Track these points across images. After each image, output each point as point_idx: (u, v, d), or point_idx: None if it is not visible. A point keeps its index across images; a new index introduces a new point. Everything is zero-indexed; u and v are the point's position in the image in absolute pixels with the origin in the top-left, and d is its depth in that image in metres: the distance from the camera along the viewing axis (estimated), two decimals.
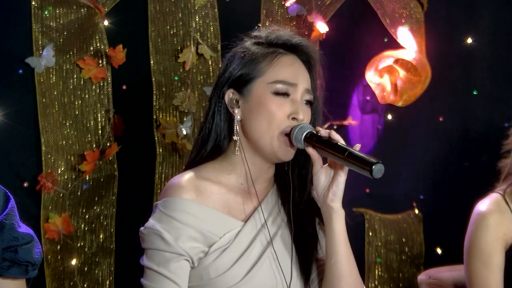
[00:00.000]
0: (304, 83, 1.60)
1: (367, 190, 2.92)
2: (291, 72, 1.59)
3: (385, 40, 2.92)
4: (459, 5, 3.01)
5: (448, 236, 2.85)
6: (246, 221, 1.58)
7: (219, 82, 1.63)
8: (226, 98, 1.60)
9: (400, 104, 2.95)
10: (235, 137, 1.58)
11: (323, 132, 1.53)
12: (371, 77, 2.91)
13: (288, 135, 1.55)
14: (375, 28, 2.91)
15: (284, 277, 1.57)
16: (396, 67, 2.92)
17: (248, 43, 1.65)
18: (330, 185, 1.53)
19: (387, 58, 2.91)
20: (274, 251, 1.57)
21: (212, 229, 1.53)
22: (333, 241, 1.54)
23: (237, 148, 1.58)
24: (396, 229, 2.96)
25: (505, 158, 2.08)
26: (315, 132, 1.54)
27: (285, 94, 1.57)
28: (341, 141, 1.51)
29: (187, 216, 1.51)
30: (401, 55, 2.91)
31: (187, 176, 1.57)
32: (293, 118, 1.56)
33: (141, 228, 1.55)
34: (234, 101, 1.60)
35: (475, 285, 1.95)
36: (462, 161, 3.03)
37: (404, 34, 2.88)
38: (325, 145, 1.51)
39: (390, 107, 2.96)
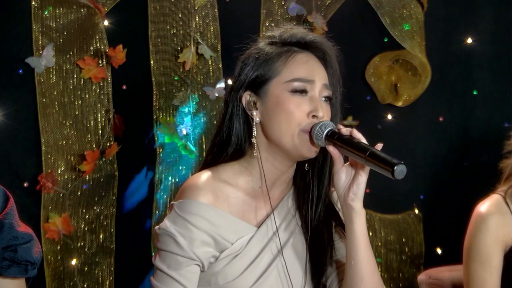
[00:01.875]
0: (321, 79, 1.58)
1: (367, 190, 2.90)
2: (306, 69, 1.57)
3: (385, 40, 2.93)
4: (459, 5, 3.01)
5: (448, 236, 2.85)
6: (259, 226, 1.56)
7: (235, 84, 1.60)
8: (244, 100, 1.58)
9: (400, 104, 2.95)
10: (253, 140, 1.55)
11: (344, 130, 1.50)
12: (371, 77, 2.91)
13: (309, 132, 1.52)
14: (375, 28, 2.91)
15: (292, 286, 1.56)
16: (396, 67, 2.93)
17: (262, 43, 1.62)
18: (351, 185, 1.51)
19: (387, 58, 2.91)
20: (284, 260, 1.56)
21: (225, 234, 1.52)
22: (353, 241, 1.51)
23: (255, 151, 1.56)
24: (396, 229, 2.96)
25: (506, 159, 2.07)
26: (336, 130, 1.51)
27: (303, 92, 1.54)
28: (362, 140, 1.48)
29: (202, 220, 1.49)
30: (401, 55, 2.91)
31: (205, 177, 1.55)
32: (313, 116, 1.53)
33: (156, 228, 1.54)
34: (252, 103, 1.57)
35: (472, 286, 1.95)
36: (462, 161, 3.03)
37: (404, 34, 2.89)
38: (346, 143, 1.47)
39: (390, 107, 2.96)
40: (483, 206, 2.00)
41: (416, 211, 3.00)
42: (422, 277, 2.40)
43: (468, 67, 3.04)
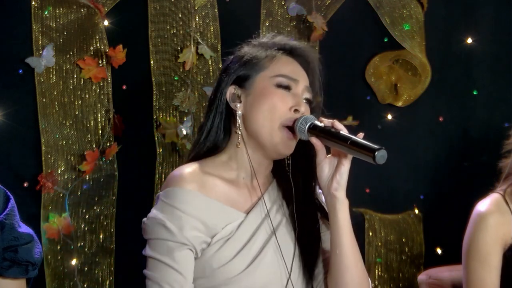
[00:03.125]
0: (304, 81, 1.64)
1: (367, 190, 2.92)
2: (291, 69, 1.63)
3: (385, 40, 2.93)
4: (459, 5, 3.01)
5: (448, 236, 2.85)
6: (248, 212, 1.59)
7: (219, 82, 1.66)
8: (228, 94, 1.63)
9: (400, 104, 2.95)
10: (238, 131, 1.59)
11: (326, 122, 1.55)
12: (371, 77, 2.91)
13: (289, 127, 1.57)
14: (375, 28, 2.91)
15: (287, 268, 1.58)
16: (396, 67, 2.92)
17: (246, 48, 1.68)
18: (334, 175, 1.54)
19: (387, 58, 2.91)
20: (277, 241, 1.58)
21: (214, 220, 1.54)
22: (337, 231, 1.54)
23: (238, 141, 1.59)
24: (396, 229, 2.96)
25: (506, 158, 2.08)
26: (318, 122, 1.55)
27: (287, 88, 1.60)
28: (344, 130, 1.53)
29: (189, 206, 1.51)
30: (401, 55, 2.91)
31: (189, 168, 1.59)
32: (295, 110, 1.58)
33: (144, 219, 1.56)
34: (236, 96, 1.62)
35: (472, 285, 1.95)
36: (462, 161, 3.03)
37: (404, 34, 2.89)
38: (328, 134, 1.53)
39: (390, 107, 2.96)
40: (483, 205, 2.00)
41: (416, 211, 3.00)
42: (422, 277, 2.41)
43: (468, 67, 3.04)
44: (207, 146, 1.63)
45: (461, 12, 3.02)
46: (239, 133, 1.60)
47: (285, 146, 1.58)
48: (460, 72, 3.04)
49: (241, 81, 1.62)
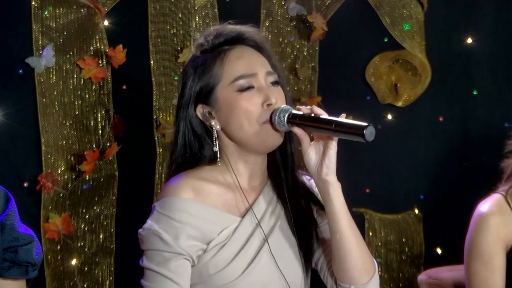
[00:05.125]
0: (262, 68, 1.59)
1: (367, 190, 2.92)
2: (244, 64, 1.58)
3: (385, 40, 2.93)
4: (459, 5, 3.01)
5: (448, 236, 2.85)
6: (243, 216, 1.59)
7: (182, 103, 1.62)
8: (199, 114, 1.60)
9: (400, 104, 2.95)
10: (215, 148, 1.58)
11: (304, 109, 1.52)
12: (371, 77, 2.91)
13: (269, 122, 1.53)
14: (375, 28, 2.91)
15: (280, 270, 1.57)
16: (396, 67, 2.93)
17: (194, 57, 1.63)
18: (322, 160, 1.51)
19: (387, 58, 2.91)
20: (268, 244, 1.57)
21: (210, 226, 1.53)
22: (334, 215, 1.52)
23: (218, 159, 1.58)
24: (396, 229, 2.96)
25: (508, 158, 2.07)
26: (296, 111, 1.52)
27: (250, 88, 1.56)
28: (324, 114, 1.49)
29: (185, 215, 1.51)
30: (401, 55, 2.91)
31: (184, 177, 1.58)
32: (268, 105, 1.55)
33: (140, 230, 1.56)
34: (207, 114, 1.59)
35: (475, 286, 1.95)
36: (462, 161, 3.03)
37: (404, 34, 2.89)
38: (310, 120, 1.48)
39: (390, 107, 2.96)
40: (484, 206, 2.00)
41: (416, 211, 3.00)
42: (422, 277, 2.41)
43: (468, 67, 3.04)
44: (202, 163, 1.61)
45: (461, 12, 3.02)
46: (217, 150, 1.57)
47: (273, 138, 1.55)
48: (460, 72, 3.04)
49: (205, 98, 1.59)
